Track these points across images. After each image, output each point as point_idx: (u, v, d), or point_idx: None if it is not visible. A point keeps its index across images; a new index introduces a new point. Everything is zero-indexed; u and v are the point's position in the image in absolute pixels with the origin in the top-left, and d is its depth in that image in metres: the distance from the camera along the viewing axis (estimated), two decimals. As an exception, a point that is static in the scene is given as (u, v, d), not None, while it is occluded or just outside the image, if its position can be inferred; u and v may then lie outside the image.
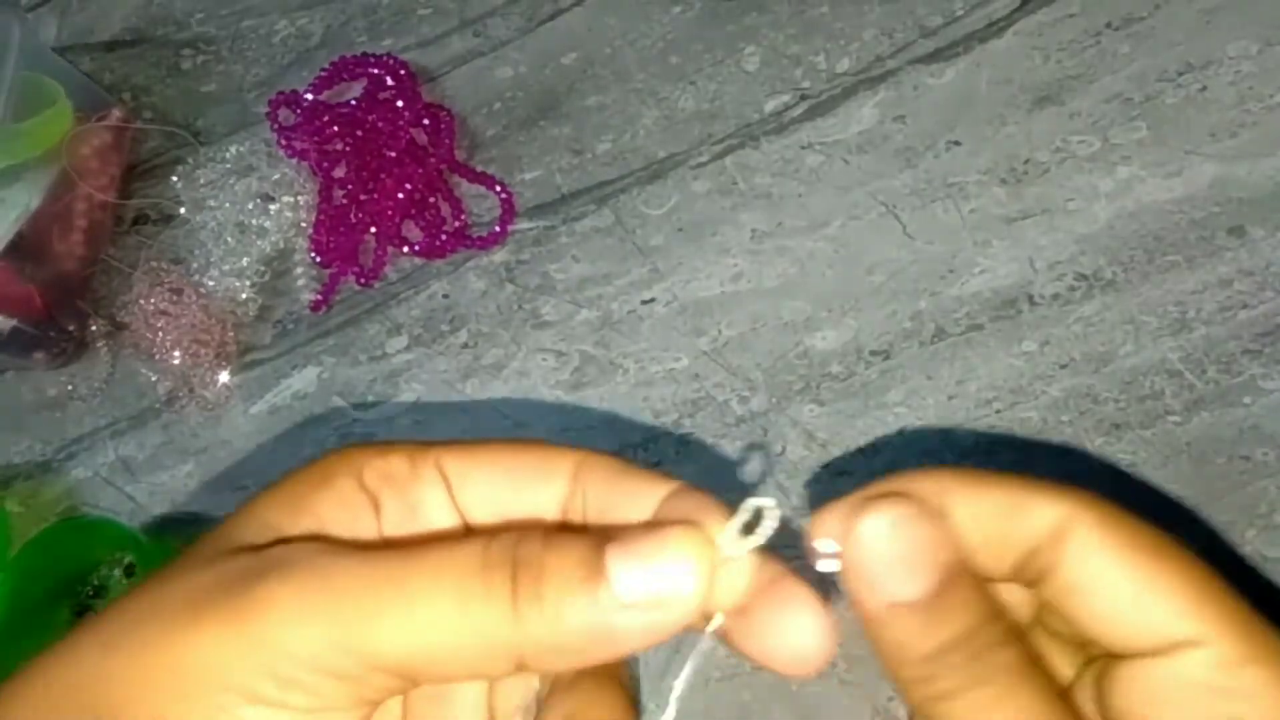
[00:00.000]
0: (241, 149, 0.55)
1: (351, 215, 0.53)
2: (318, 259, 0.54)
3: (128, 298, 0.53)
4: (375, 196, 0.53)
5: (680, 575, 0.20)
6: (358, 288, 0.54)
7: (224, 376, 0.53)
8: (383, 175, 0.53)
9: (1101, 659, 0.22)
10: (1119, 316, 0.47)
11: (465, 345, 0.52)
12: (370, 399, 0.52)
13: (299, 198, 0.54)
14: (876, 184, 0.51)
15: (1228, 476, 0.45)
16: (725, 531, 0.21)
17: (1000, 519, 0.22)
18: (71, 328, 0.54)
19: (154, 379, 0.54)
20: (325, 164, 0.54)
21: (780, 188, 0.51)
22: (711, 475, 0.49)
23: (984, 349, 0.48)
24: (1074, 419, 0.46)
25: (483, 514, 0.23)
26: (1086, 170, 0.49)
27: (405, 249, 0.53)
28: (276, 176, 0.54)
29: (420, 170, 0.53)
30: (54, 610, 0.48)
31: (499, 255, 0.53)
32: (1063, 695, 0.22)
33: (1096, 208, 0.49)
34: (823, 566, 0.22)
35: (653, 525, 0.21)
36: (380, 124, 0.54)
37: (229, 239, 0.53)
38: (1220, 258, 0.47)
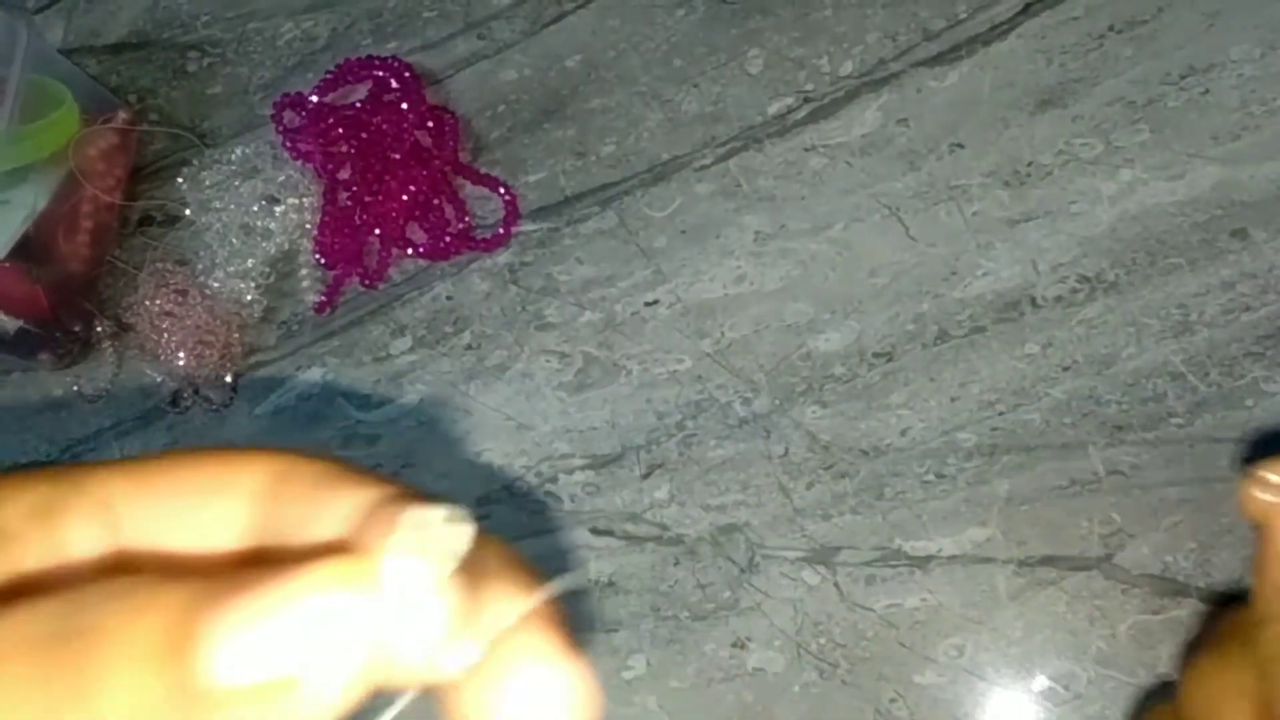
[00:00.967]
0: (247, 151, 0.55)
1: (356, 217, 0.54)
2: (322, 260, 0.54)
3: (133, 299, 0.54)
4: (380, 198, 0.53)
5: (312, 644, 0.13)
6: (362, 289, 0.54)
7: (229, 377, 0.53)
8: (387, 177, 0.53)
9: None
10: (1121, 319, 0.47)
11: (469, 347, 0.52)
12: (374, 400, 0.52)
13: (304, 199, 0.54)
14: (879, 186, 0.51)
15: (1230, 479, 0.45)
16: (398, 561, 0.14)
17: None
18: (77, 329, 0.54)
19: (159, 380, 0.54)
20: (330, 166, 0.54)
21: (783, 190, 0.52)
22: (712, 474, 0.49)
23: (986, 351, 0.48)
24: (1076, 421, 0.47)
25: (152, 544, 0.18)
26: (1089, 173, 0.49)
27: (409, 251, 0.53)
28: (281, 178, 0.54)
29: (424, 172, 0.53)
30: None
31: (503, 257, 0.53)
32: None
33: (1099, 210, 0.49)
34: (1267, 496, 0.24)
35: (307, 556, 0.14)
36: (385, 126, 0.54)
37: (234, 240, 0.53)
38: (1223, 260, 0.47)
